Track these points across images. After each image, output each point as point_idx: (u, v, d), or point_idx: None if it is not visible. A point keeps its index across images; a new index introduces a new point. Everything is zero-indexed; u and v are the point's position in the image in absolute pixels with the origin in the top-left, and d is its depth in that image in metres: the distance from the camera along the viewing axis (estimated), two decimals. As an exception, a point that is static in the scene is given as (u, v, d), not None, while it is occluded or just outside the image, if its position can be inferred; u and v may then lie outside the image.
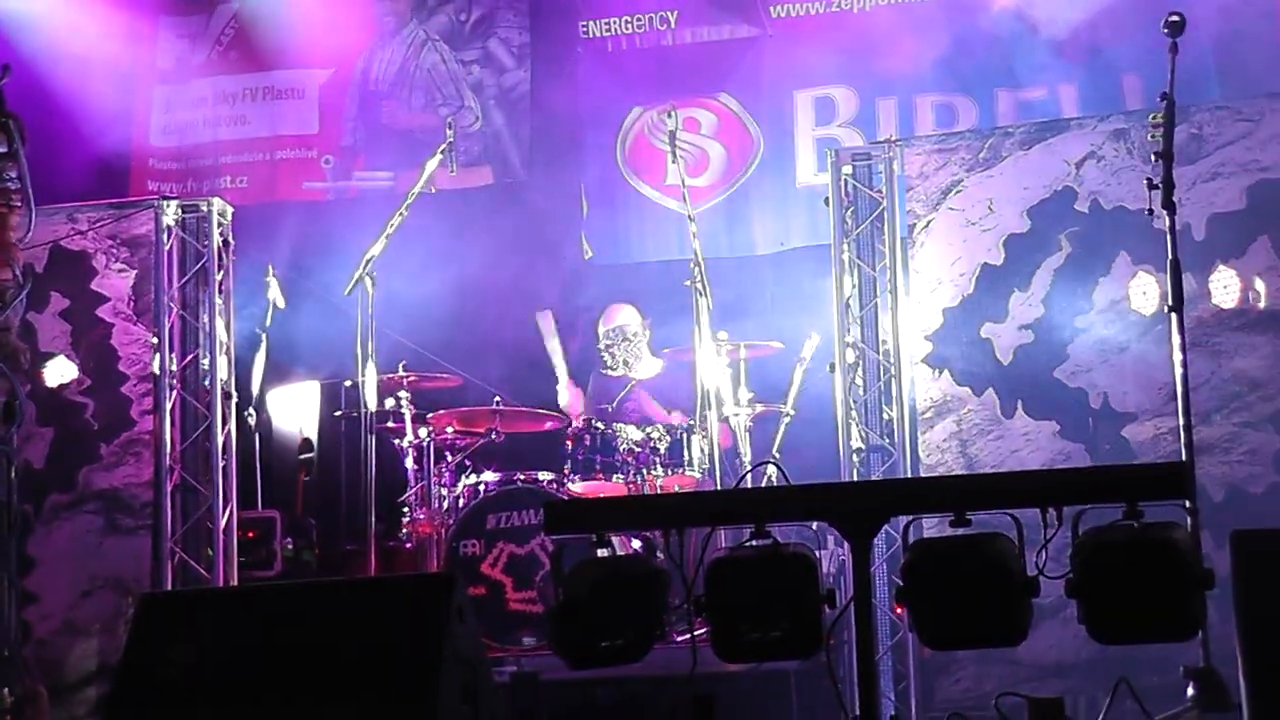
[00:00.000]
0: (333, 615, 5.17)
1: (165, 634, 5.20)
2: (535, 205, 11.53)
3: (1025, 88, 11.04)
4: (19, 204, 6.32)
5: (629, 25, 11.91)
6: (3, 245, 6.32)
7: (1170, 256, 6.37)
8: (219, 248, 8.76)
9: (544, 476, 9.14)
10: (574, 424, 9.53)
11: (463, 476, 9.37)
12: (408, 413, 9.53)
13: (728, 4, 11.77)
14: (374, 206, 11.14)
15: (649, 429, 9.29)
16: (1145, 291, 7.84)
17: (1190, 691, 6.07)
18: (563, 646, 5.28)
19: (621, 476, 9.20)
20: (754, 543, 5.26)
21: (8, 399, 6.24)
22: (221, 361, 8.71)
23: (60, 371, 8.67)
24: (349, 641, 5.02)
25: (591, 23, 12.00)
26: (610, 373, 10.25)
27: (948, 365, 8.14)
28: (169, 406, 8.56)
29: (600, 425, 9.30)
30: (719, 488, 8.88)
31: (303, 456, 11.10)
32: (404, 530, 9.49)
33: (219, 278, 8.75)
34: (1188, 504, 5.99)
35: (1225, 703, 5.83)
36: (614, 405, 9.85)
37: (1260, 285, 7.73)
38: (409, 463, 9.55)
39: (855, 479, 8.10)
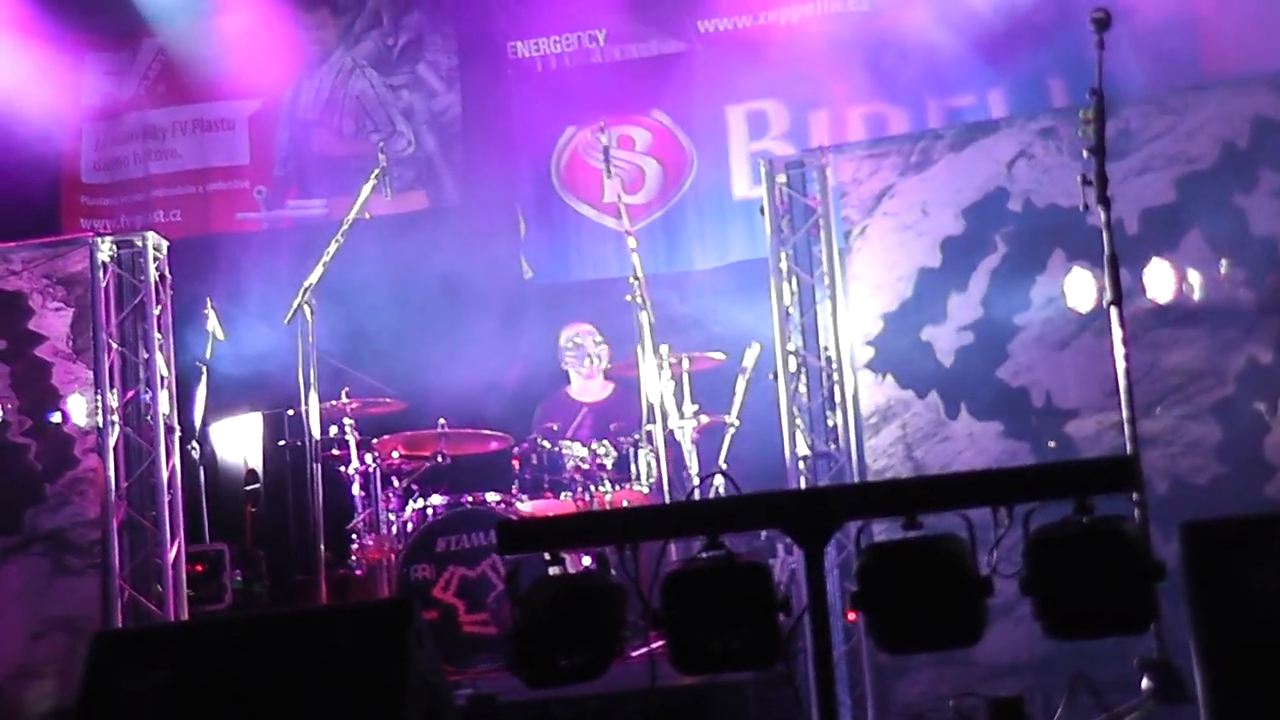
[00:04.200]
0: (292, 646, 5.14)
1: (119, 672, 5.16)
2: (471, 228, 11.50)
3: (954, 95, 11.07)
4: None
5: (557, 45, 11.90)
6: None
7: (1108, 251, 6.41)
8: (155, 282, 8.72)
9: (492, 498, 9.13)
10: (520, 443, 9.51)
11: (410, 501, 9.34)
12: (352, 439, 9.51)
13: (654, 20, 11.78)
14: (308, 235, 11.11)
15: (595, 445, 9.30)
16: (1081, 288, 7.87)
17: (1146, 684, 6.11)
18: (522, 666, 5.26)
19: (569, 494, 9.20)
20: (707, 554, 5.27)
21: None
22: (163, 396, 8.67)
23: (-3, 415, 8.62)
24: (310, 671, 4.99)
25: (520, 43, 11.98)
26: (573, 369, 10.24)
27: (890, 369, 8.15)
28: (112, 443, 8.51)
29: (546, 444, 9.29)
30: (668, 501, 8.89)
31: (249, 488, 11.03)
32: (353, 558, 9.46)
33: (156, 312, 8.70)
34: (1135, 497, 6.03)
35: (1182, 693, 5.87)
36: (571, 430, 9.86)
37: (1194, 278, 7.78)
38: (356, 489, 9.54)
39: (803, 486, 8.11)
